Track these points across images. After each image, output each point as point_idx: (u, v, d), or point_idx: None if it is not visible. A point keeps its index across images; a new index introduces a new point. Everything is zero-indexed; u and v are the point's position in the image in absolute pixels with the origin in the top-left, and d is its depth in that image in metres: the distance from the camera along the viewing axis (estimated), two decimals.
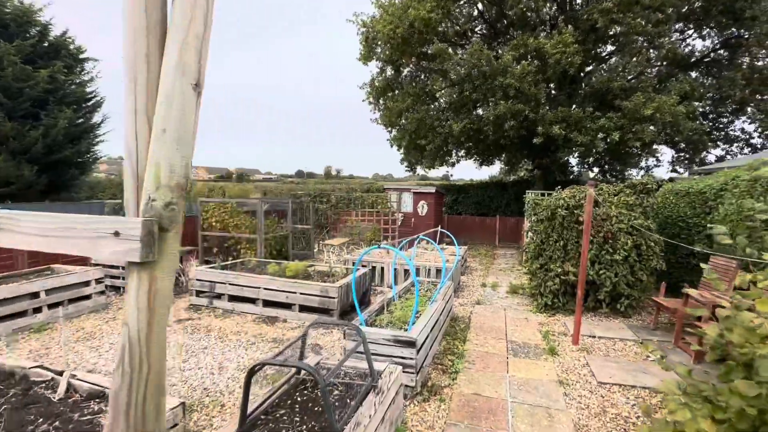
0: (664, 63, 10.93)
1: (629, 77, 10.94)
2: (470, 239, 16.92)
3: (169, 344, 5.13)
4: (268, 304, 6.34)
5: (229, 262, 7.42)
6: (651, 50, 10.69)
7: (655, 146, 12.66)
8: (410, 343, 4.00)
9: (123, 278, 7.31)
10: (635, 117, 10.46)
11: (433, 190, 13.41)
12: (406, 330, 4.27)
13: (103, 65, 23.47)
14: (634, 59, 10.58)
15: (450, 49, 13.46)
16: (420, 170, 19.98)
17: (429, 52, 14.59)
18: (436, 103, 15.26)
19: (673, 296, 6.96)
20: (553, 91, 12.56)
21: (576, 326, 5.41)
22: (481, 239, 16.72)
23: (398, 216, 13.54)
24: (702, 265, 5.43)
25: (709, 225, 5.72)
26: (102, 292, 6.50)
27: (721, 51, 14.40)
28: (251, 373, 2.47)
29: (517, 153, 15.86)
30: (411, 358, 4.01)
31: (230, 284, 6.50)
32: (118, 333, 5.47)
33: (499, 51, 11.69)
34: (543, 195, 10.62)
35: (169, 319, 6.05)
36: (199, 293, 6.75)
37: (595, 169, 17.59)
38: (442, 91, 12.33)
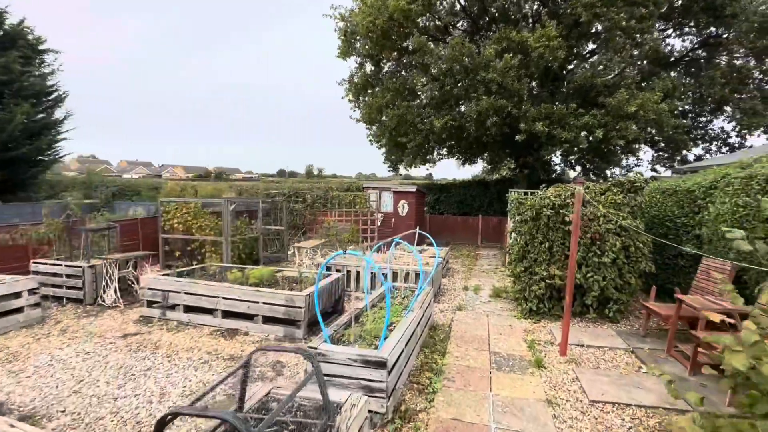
0: (646, 61, 10.79)
1: (612, 74, 10.72)
2: (452, 239, 16.54)
3: (107, 365, 4.46)
4: (228, 315, 5.71)
5: (186, 269, 6.74)
6: (634, 47, 10.48)
7: (637, 145, 12.51)
8: (380, 364, 3.47)
9: (67, 287, 6.55)
10: (619, 114, 10.23)
11: (413, 189, 12.94)
12: (377, 347, 3.75)
13: (67, 58, 22.12)
14: (617, 56, 10.36)
15: (431, 44, 13.01)
16: (402, 169, 19.53)
17: (410, 47, 14.13)
18: (418, 101, 14.79)
19: (661, 300, 6.66)
20: (534, 90, 12.27)
21: (564, 336, 4.99)
22: (463, 239, 16.37)
23: (378, 216, 13.02)
24: (715, 273, 5.09)
25: (724, 226, 5.39)
26: (37, 305, 5.73)
27: (700, 51, 14.44)
28: (161, 424, 1.90)
29: (500, 151, 15.55)
30: (381, 381, 3.49)
31: (186, 293, 5.84)
32: (49, 353, 4.76)
33: (481, 45, 11.29)
34: (527, 194, 10.27)
35: (112, 334, 5.37)
36: (151, 304, 6.06)
37: (578, 168, 17.49)
38: (424, 87, 11.87)
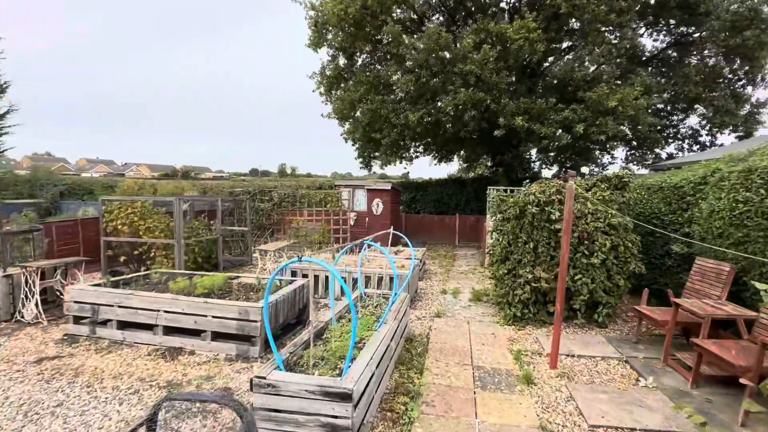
0: (625, 57, 10.65)
1: (592, 67, 10.47)
2: (429, 239, 16.05)
3: (5, 401, 3.57)
4: (171, 331, 4.88)
5: (123, 277, 5.82)
6: (614, 40, 10.27)
7: (616, 141, 12.38)
8: (344, 396, 2.81)
9: None
10: (599, 109, 9.99)
11: (388, 187, 12.32)
12: (341, 371, 3.07)
13: (8, 45, 20.07)
14: (597, 49, 10.11)
15: (405, 38, 12.42)
16: (378, 168, 18.87)
17: (384, 40, 13.50)
18: (393, 95, 14.16)
19: (649, 302, 6.32)
20: (513, 86, 11.92)
21: (554, 347, 4.48)
22: (440, 239, 15.90)
23: (351, 215, 12.32)
24: (711, 275, 4.69)
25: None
26: None
27: (670, 51, 14.54)
28: None
29: (477, 147, 15.17)
30: (346, 417, 2.82)
31: (120, 307, 4.96)
32: None
33: (459, 36, 10.80)
34: (508, 191, 9.86)
35: (24, 359, 4.44)
36: (78, 320, 5.13)
37: (554, 166, 17.37)
38: (398, 79, 11.28)
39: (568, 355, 4.86)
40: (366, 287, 6.72)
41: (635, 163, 17.80)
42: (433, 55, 10.72)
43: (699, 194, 5.65)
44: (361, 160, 18.08)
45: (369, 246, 9.95)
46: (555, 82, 10.95)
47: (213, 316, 4.70)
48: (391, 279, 6.77)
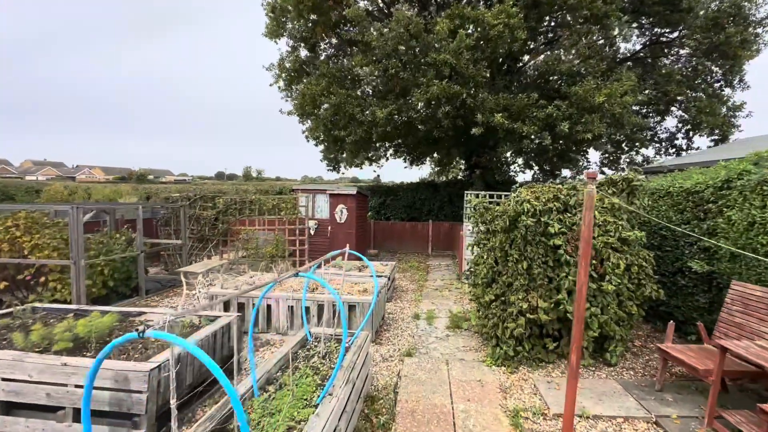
0: (610, 51, 9.91)
1: (578, 60, 9.58)
2: (400, 247, 14.80)
3: None
4: (11, 408, 3.28)
5: None
6: (598, 35, 9.45)
7: (603, 140, 11.60)
8: None
9: None
10: (584, 106, 9.09)
11: (353, 191, 10.93)
12: None
13: None
14: (584, 39, 9.25)
15: (370, 23, 11.15)
16: (349, 171, 17.44)
17: (347, 27, 12.20)
18: (359, 91, 12.82)
19: (657, 329, 5.29)
20: (491, 81, 10.89)
21: (568, 412, 3.24)
22: (412, 247, 14.68)
23: (311, 224, 10.84)
24: (757, 304, 3.55)
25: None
26: None
27: (646, 50, 14.09)
28: None
29: (452, 148, 14.09)
30: None
31: None
32: None
33: (431, 23, 9.63)
34: (489, 197, 8.73)
35: None
36: None
37: (530, 170, 16.55)
38: (363, 68, 9.99)
39: (581, 416, 3.66)
40: (319, 320, 5.31)
41: (610, 167, 17.35)
42: (402, 44, 9.50)
43: (723, 201, 4.65)
44: (327, 162, 16.64)
45: (330, 261, 8.55)
46: (536, 75, 10.00)
47: (76, 386, 3.15)
48: (351, 307, 5.39)
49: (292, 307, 5.41)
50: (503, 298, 4.86)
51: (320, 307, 5.41)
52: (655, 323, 5.99)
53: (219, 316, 4.40)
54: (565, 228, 4.56)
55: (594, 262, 4.45)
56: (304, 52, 14.59)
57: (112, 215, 8.43)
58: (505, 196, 8.43)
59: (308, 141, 15.67)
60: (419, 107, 10.21)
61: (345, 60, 14.13)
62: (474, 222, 5.68)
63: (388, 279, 7.50)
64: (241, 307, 5.58)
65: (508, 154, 13.34)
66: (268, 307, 5.50)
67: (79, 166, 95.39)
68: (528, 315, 4.51)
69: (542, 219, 4.60)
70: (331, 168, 16.91)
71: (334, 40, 13.71)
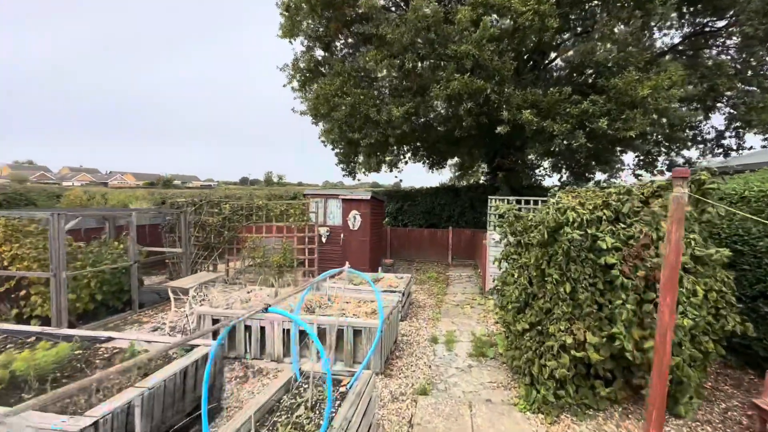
0: (652, 37, 8.83)
1: (616, 49, 8.50)
2: (418, 256, 13.94)
3: None
4: None
5: None
6: (643, 16, 8.35)
7: (649, 137, 10.39)
8: None
9: None
10: (624, 101, 8.05)
11: (367, 196, 10.19)
12: None
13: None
14: (623, 26, 8.21)
15: (385, 14, 10.43)
16: (360, 174, 16.69)
17: (361, 23, 11.54)
18: (374, 89, 12.11)
19: (729, 367, 4.29)
20: (519, 75, 9.90)
21: None
22: (431, 256, 13.79)
23: (322, 231, 10.16)
24: None
25: None
26: None
27: (683, 45, 12.80)
28: None
29: (474, 150, 13.15)
30: None
31: None
32: None
33: (452, 12, 8.81)
34: (518, 203, 7.81)
35: None
36: None
37: (557, 173, 15.35)
38: (378, 65, 9.26)
39: None
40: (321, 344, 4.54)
41: (646, 169, 15.95)
42: (420, 36, 8.72)
43: None
44: (343, 166, 15.98)
45: (339, 275, 7.81)
46: (568, 69, 9.02)
47: None
48: (356, 332, 4.61)
49: (288, 330, 4.67)
50: (540, 328, 3.97)
51: (321, 331, 4.65)
52: (725, 358, 4.93)
53: (196, 346, 3.70)
54: (619, 242, 3.65)
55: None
56: (319, 52, 14.07)
57: (112, 222, 7.99)
58: (541, 201, 7.50)
59: (325, 145, 15.11)
60: (438, 106, 9.38)
61: (360, 60, 13.54)
62: (502, 232, 4.82)
63: (403, 295, 6.69)
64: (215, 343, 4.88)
65: (534, 156, 12.27)
66: (262, 329, 4.78)
67: (112, 172, 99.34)
68: (573, 352, 3.61)
69: (590, 230, 3.70)
70: (347, 173, 16.26)
71: (349, 40, 13.09)
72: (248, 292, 5.74)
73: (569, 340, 3.59)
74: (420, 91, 10.38)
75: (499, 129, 8.54)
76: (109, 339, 3.90)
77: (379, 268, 9.80)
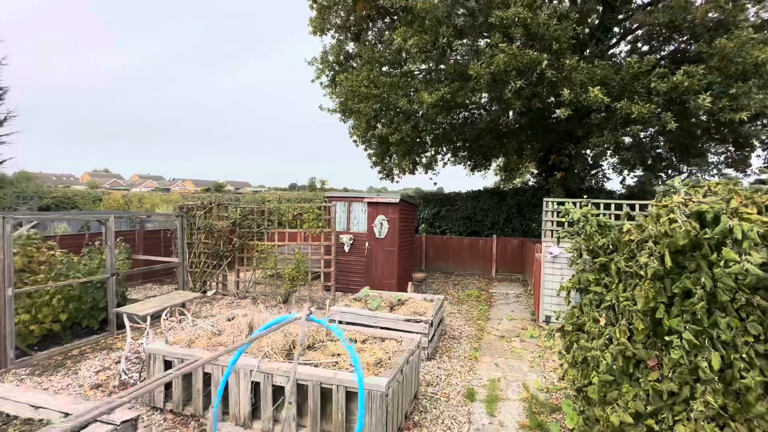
0: None
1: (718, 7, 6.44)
2: (457, 268, 12.25)
3: None
4: None
5: None
6: None
7: (760, 123, 8.09)
8: None
9: None
10: (732, 71, 6.01)
11: (396, 199, 8.74)
12: None
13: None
14: None
15: None
16: (398, 177, 15.26)
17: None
18: (406, 78, 10.66)
19: None
20: (582, 44, 7.93)
21: None
22: (471, 268, 12.06)
23: (344, 239, 8.85)
24: None
25: None
26: None
27: None
28: None
29: (525, 144, 11.25)
30: None
31: None
32: None
33: None
34: (596, 207, 6.00)
35: None
36: None
37: (619, 174, 12.90)
38: (408, 43, 7.78)
39: None
40: (300, 411, 3.14)
41: (736, 168, 13.07)
42: (458, 5, 7.20)
43: None
44: (379, 168, 14.69)
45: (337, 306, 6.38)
46: (648, 35, 6.95)
47: None
48: (350, 395, 3.15)
49: (257, 383, 3.32)
50: (657, 418, 2.30)
51: (303, 387, 3.24)
52: None
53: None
54: None
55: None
56: (350, 46, 12.99)
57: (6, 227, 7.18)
58: (627, 206, 5.66)
59: (357, 145, 13.93)
60: (480, 90, 7.73)
61: (389, 46, 12.23)
62: (574, 249, 3.18)
63: (431, 325, 5.16)
64: (188, 375, 3.63)
65: (600, 149, 10.13)
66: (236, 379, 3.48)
67: (174, 179, 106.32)
68: None
69: (725, 246, 1.99)
70: (384, 175, 14.95)
71: (378, 24, 11.86)
72: (229, 319, 4.50)
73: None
74: (457, 76, 8.82)
75: (557, 112, 6.74)
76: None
77: (409, 284, 8.28)
